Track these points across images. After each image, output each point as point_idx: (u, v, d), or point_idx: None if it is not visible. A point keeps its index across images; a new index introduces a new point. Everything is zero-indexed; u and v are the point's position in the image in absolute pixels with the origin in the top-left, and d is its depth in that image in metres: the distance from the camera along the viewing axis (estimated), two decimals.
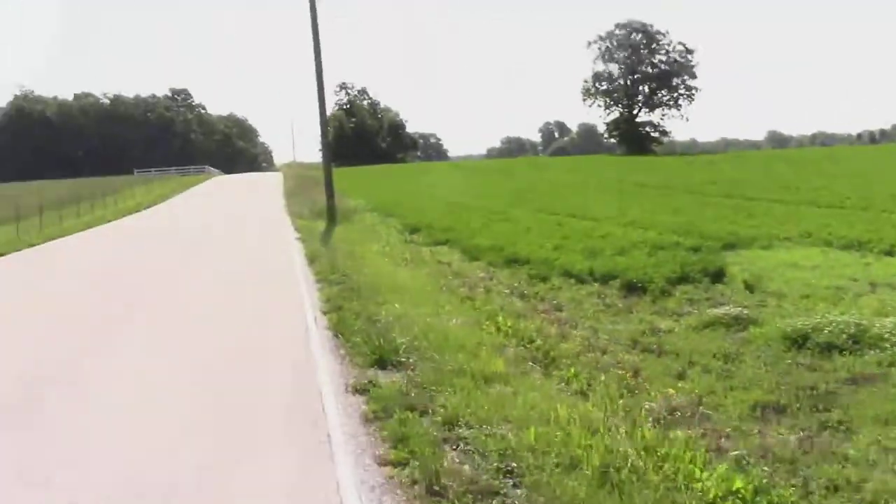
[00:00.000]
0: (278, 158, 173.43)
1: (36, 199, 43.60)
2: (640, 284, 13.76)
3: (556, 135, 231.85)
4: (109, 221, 40.49)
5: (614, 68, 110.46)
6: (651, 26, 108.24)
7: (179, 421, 7.70)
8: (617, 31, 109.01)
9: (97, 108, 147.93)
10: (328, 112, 35.11)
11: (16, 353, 11.19)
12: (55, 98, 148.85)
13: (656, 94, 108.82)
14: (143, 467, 6.47)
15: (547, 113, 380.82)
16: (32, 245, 28.64)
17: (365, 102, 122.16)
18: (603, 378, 8.53)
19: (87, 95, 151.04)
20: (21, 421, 7.88)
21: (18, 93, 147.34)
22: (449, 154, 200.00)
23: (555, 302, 13.34)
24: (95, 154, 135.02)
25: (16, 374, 9.73)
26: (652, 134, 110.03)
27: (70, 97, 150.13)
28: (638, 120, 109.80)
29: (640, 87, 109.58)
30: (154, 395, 8.67)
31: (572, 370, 8.87)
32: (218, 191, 65.32)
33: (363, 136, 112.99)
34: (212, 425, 7.55)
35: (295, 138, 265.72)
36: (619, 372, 8.79)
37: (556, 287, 14.59)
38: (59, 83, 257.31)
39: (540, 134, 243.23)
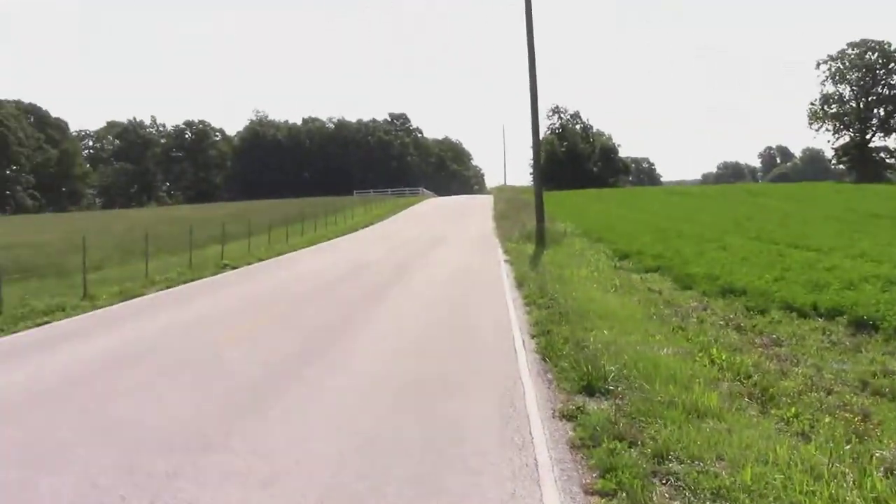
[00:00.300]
0: (489, 181, 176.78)
1: (266, 217, 46.81)
2: (870, 322, 12.85)
3: (778, 160, 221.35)
4: (330, 239, 42.79)
5: (845, 90, 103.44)
6: (888, 45, 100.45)
7: (393, 420, 8.00)
8: (849, 51, 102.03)
9: (322, 131, 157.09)
10: (540, 136, 35.30)
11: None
12: (286, 122, 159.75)
13: (893, 118, 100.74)
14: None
15: (768, 137, 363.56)
16: (261, 259, 30.88)
17: (577, 126, 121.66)
18: (827, 420, 8.04)
19: (314, 120, 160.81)
20: None
21: (254, 117, 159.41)
22: (662, 179, 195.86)
23: (774, 336, 12.70)
24: (319, 175, 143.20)
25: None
26: (887, 160, 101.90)
27: (299, 121, 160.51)
28: (871, 145, 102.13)
29: (875, 111, 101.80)
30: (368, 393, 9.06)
31: (793, 409, 8.40)
32: (431, 212, 67.28)
33: (574, 160, 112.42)
34: (419, 441, 7.76)
35: (506, 161, 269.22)
36: (846, 415, 8.23)
37: (776, 321, 13.89)
38: (289, 107, 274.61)
39: (760, 159, 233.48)
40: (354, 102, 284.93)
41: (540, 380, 10.09)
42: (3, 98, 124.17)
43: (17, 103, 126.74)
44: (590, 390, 9.20)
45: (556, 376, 10.12)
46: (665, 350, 11.03)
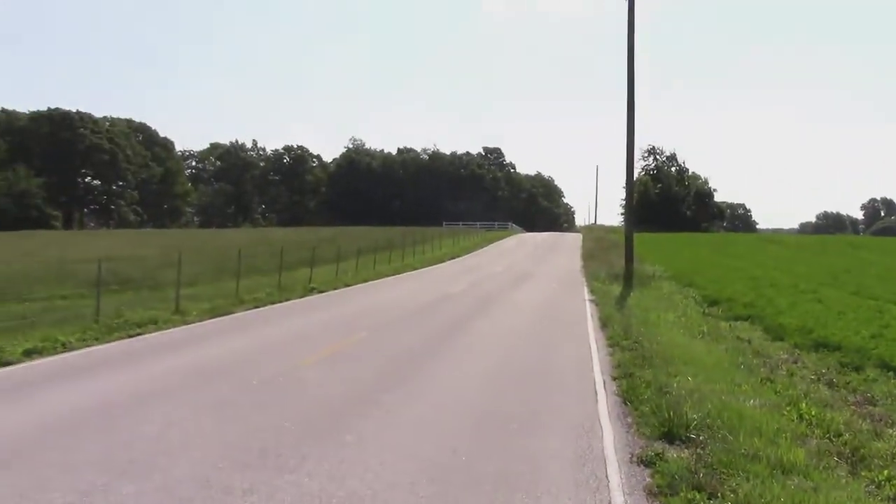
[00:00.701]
0: (579, 220, 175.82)
1: (355, 243, 47.50)
2: None
3: (882, 213, 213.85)
4: (416, 268, 43.11)
5: None
6: None
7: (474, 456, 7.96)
8: None
9: (417, 162, 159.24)
10: (634, 176, 34.94)
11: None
12: (381, 150, 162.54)
13: None
14: None
15: (872, 188, 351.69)
16: (348, 285, 31.35)
17: (673, 169, 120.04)
18: None
19: (409, 150, 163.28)
20: None
21: (350, 145, 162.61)
22: (757, 226, 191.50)
23: (868, 395, 12.15)
24: (410, 204, 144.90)
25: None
26: None
27: (394, 150, 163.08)
28: None
29: None
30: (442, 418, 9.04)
31: (885, 472, 8.02)
32: (519, 247, 67.19)
33: (668, 203, 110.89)
34: (493, 475, 7.67)
35: (597, 201, 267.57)
36: None
37: (871, 379, 13.29)
38: (385, 136, 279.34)
39: (862, 211, 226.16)
40: (450, 134, 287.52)
41: (619, 423, 9.90)
42: (116, 116, 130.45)
43: (129, 121, 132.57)
44: (670, 437, 8.98)
45: (636, 420, 9.92)
46: (751, 401, 10.67)
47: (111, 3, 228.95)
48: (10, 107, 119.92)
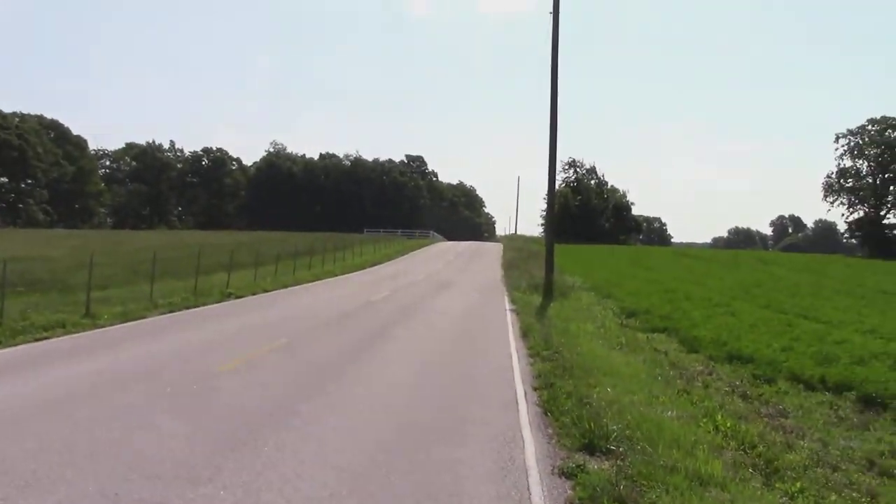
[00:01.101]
0: (500, 229, 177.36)
1: (275, 248, 46.82)
2: (879, 399, 12.59)
3: (790, 230, 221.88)
4: (336, 275, 42.74)
5: (863, 165, 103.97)
6: None
7: (392, 468, 7.81)
8: (869, 127, 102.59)
9: (339, 168, 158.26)
10: (555, 187, 35.26)
11: None
12: (303, 156, 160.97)
13: None
14: None
15: (781, 206, 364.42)
16: (266, 290, 30.85)
17: (592, 181, 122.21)
18: (833, 498, 7.84)
19: (332, 156, 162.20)
20: None
21: (272, 149, 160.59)
22: (672, 240, 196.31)
23: (780, 407, 12.44)
24: (331, 210, 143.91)
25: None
26: None
27: (316, 156, 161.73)
28: (885, 222, 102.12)
29: (891, 188, 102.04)
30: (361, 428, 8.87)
31: (798, 484, 8.18)
32: (440, 256, 67.30)
33: (587, 215, 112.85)
34: (413, 488, 7.54)
35: (518, 211, 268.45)
36: (853, 494, 8.01)
37: (783, 391, 13.63)
38: (308, 141, 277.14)
39: (772, 228, 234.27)
40: (373, 141, 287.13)
41: (540, 434, 9.88)
42: (26, 112, 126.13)
43: (40, 118, 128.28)
44: (591, 449, 9.00)
45: (557, 431, 9.92)
46: (669, 413, 10.78)
47: None
48: None
